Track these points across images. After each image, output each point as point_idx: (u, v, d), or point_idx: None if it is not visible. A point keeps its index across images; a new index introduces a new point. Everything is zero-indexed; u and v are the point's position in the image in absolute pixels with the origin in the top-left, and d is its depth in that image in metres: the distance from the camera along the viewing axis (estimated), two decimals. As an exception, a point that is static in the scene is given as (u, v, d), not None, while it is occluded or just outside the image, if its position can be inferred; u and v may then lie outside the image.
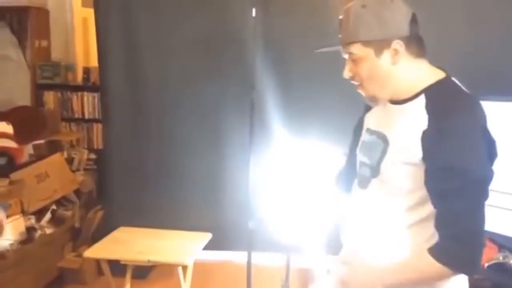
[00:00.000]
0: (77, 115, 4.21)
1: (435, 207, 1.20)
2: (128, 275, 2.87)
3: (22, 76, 4.17)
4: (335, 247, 1.49)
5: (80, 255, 3.28)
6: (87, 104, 4.20)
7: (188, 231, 2.90)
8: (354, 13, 1.24)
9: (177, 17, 2.95)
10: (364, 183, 1.35)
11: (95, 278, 3.25)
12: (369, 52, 1.24)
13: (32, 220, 3.10)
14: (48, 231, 3.17)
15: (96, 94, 4.15)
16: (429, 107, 1.20)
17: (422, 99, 1.22)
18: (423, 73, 1.27)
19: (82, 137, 4.15)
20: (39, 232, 3.09)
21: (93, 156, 3.97)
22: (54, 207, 3.29)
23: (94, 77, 4.14)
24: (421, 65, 1.27)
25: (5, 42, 4.14)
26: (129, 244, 2.76)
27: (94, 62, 4.53)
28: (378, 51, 1.24)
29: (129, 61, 3.05)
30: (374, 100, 1.32)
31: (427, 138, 1.17)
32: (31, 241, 2.99)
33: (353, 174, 1.44)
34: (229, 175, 2.96)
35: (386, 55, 1.24)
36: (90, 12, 4.58)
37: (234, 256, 2.98)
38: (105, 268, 2.72)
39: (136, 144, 3.13)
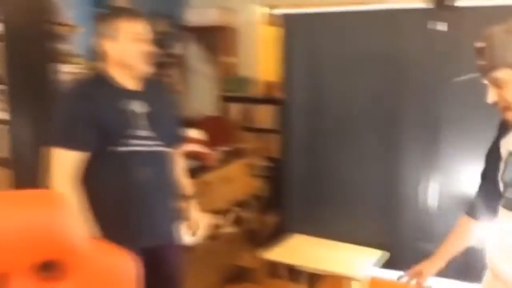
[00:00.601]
0: (257, 125, 4.52)
1: None
2: (301, 281, 3.00)
3: (211, 88, 4.63)
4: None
5: (255, 256, 3.53)
6: (266, 115, 4.48)
7: (362, 246, 2.93)
8: (499, 39, 1.27)
9: (360, 35, 3.02)
10: None
11: (268, 279, 3.46)
12: None
13: (217, 219, 3.43)
14: (230, 230, 3.47)
15: (274, 107, 4.40)
16: None
17: None
18: None
19: (261, 146, 4.43)
20: (222, 230, 3.40)
21: (269, 164, 4.22)
22: (235, 208, 3.59)
23: (274, 91, 4.41)
24: None
25: (198, 58, 4.65)
26: (304, 251, 2.89)
27: (274, 77, 4.84)
28: None
29: (312, 77, 3.20)
30: None
31: None
32: (215, 238, 3.31)
33: (493, 200, 1.44)
34: (407, 196, 2.91)
35: None
36: (273, 30, 4.91)
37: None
38: (282, 271, 2.88)
39: (313, 156, 3.25)
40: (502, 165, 1.42)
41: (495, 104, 1.33)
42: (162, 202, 2.07)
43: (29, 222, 0.90)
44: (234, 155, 3.96)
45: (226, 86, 4.60)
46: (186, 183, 2.31)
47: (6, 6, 2.57)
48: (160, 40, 4.42)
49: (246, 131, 4.52)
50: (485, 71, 1.31)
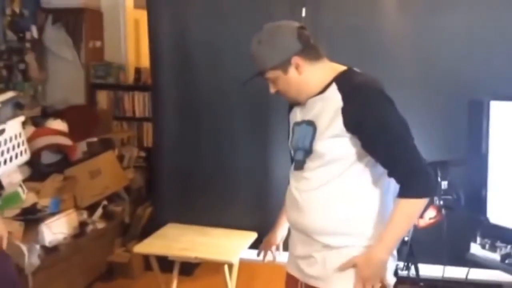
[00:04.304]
0: (128, 114, 4.32)
1: (381, 161, 1.51)
2: (175, 271, 2.93)
3: (77, 75, 4.32)
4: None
5: (128, 250, 3.38)
6: (138, 103, 4.30)
7: (234, 230, 2.93)
8: (255, 50, 1.56)
9: (226, 17, 2.98)
10: (300, 166, 1.61)
11: (142, 272, 3.34)
12: (278, 73, 1.55)
13: (84, 215, 3.21)
14: (99, 226, 3.27)
15: (146, 94, 4.24)
16: (340, 89, 1.52)
17: (333, 85, 1.53)
18: (328, 70, 1.58)
19: (133, 135, 4.25)
20: (90, 227, 3.19)
21: (142, 154, 4.06)
22: (105, 202, 3.39)
23: (145, 77, 4.24)
24: (324, 64, 1.58)
25: (60, 43, 4.31)
26: (176, 240, 2.81)
27: (145, 63, 4.66)
28: (285, 70, 1.54)
29: (180, 62, 3.09)
30: (298, 102, 1.63)
31: (346, 112, 1.48)
32: (83, 235, 3.10)
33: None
34: (276, 177, 2.94)
35: (292, 70, 1.55)
36: (142, 14, 4.70)
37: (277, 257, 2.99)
38: (154, 263, 2.78)
39: (185, 144, 3.16)
40: (290, 134, 1.71)
41: (275, 93, 1.61)
42: None
43: None
44: (103, 146, 3.74)
45: (93, 72, 4.33)
46: None
47: None
48: (13, 22, 4.04)
49: (117, 120, 4.31)
50: (261, 73, 1.58)
